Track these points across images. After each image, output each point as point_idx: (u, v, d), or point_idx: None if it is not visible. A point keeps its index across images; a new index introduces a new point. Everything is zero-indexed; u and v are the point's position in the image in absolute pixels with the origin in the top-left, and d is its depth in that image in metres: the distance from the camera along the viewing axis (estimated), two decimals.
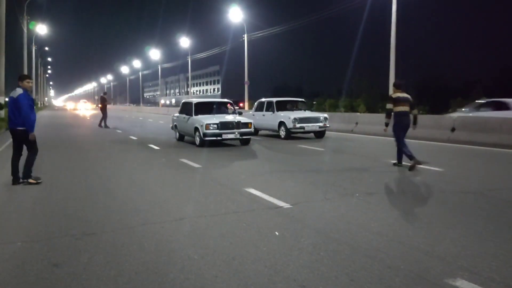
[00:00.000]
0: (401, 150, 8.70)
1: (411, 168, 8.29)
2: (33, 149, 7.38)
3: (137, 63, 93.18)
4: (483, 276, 3.37)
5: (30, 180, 7.27)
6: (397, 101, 8.73)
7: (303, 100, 18.49)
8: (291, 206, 5.57)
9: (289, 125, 15.04)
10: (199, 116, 13.28)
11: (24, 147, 7.37)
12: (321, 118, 15.59)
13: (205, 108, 14.12)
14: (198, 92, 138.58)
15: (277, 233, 4.39)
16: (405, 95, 8.89)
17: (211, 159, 10.49)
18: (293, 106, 17.24)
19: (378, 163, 9.53)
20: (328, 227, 4.67)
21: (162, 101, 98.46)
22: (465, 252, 3.91)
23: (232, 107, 14.66)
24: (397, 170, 8.47)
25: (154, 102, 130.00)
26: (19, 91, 7.34)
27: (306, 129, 15.26)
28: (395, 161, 8.95)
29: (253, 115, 17.33)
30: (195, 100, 14.60)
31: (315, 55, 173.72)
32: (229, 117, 13.29)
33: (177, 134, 15.30)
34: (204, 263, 3.69)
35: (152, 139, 16.03)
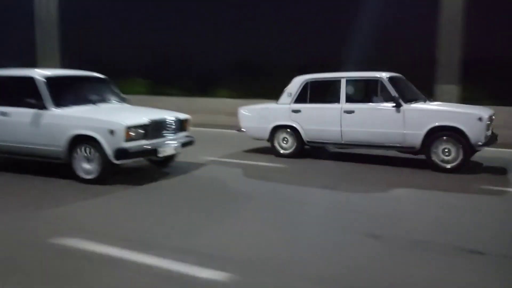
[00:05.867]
0: None
1: None
2: None
3: None
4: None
5: None
6: None
7: None
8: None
9: None
10: (77, 110, 5.57)
11: None
12: None
13: (72, 90, 6.06)
14: None
15: None
16: None
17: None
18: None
19: None
20: None
21: None
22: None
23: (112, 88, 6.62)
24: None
25: None
26: None
27: None
28: None
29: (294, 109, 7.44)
30: (47, 72, 5.84)
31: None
32: (157, 112, 6.07)
33: None
34: None
35: None
